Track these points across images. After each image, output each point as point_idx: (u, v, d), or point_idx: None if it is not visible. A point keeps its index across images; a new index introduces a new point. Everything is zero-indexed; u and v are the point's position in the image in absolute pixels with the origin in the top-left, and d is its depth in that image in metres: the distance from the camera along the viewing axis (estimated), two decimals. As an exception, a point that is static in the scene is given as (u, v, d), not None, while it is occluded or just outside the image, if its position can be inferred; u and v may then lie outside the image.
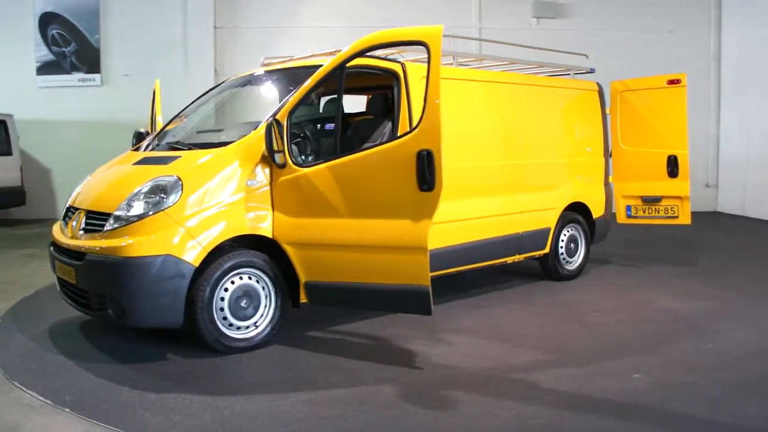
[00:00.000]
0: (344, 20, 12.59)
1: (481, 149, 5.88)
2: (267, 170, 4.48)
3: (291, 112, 4.42)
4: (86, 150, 11.22)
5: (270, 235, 4.47)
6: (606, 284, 6.60)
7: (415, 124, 4.04)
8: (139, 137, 5.92)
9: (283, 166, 4.38)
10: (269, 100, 5.66)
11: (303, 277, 4.46)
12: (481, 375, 4.02)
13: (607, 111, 7.23)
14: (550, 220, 6.50)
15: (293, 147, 4.68)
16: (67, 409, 3.49)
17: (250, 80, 5.88)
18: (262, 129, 4.42)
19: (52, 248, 4.84)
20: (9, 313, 5.51)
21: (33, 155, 12.56)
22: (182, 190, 4.23)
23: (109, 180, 4.87)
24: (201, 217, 4.25)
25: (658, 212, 7.15)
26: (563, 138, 6.70)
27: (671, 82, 6.92)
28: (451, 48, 5.91)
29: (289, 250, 4.45)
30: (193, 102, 5.85)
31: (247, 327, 4.44)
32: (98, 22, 12.71)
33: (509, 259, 6.24)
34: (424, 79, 5.46)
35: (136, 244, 4.10)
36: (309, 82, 4.43)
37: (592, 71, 7.25)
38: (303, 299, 4.55)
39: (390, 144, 4.12)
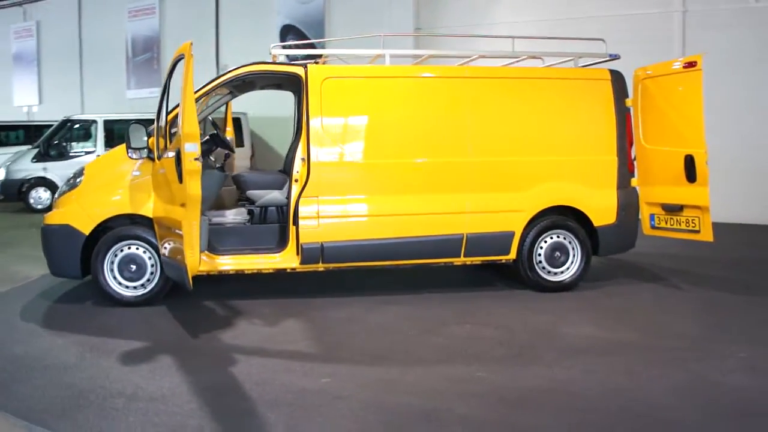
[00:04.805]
0: (540, 14, 12.37)
1: (406, 147, 5.85)
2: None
3: (161, 115, 5.39)
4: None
5: (150, 215, 5.52)
6: (571, 300, 5.83)
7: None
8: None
9: (150, 159, 5.43)
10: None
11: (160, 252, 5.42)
12: (224, 354, 4.44)
13: (628, 103, 6.12)
14: (514, 224, 5.97)
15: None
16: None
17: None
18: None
19: None
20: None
21: (262, 147, 15.40)
22: (84, 176, 5.60)
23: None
24: (94, 198, 5.56)
25: (680, 224, 5.83)
26: (540, 134, 6.01)
27: (688, 65, 5.57)
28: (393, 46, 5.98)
29: (156, 229, 5.45)
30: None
31: (135, 287, 5.59)
32: (323, 31, 14.86)
33: (456, 261, 6.00)
34: (328, 80, 5.87)
35: (50, 215, 5.65)
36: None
37: (614, 58, 6.24)
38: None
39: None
